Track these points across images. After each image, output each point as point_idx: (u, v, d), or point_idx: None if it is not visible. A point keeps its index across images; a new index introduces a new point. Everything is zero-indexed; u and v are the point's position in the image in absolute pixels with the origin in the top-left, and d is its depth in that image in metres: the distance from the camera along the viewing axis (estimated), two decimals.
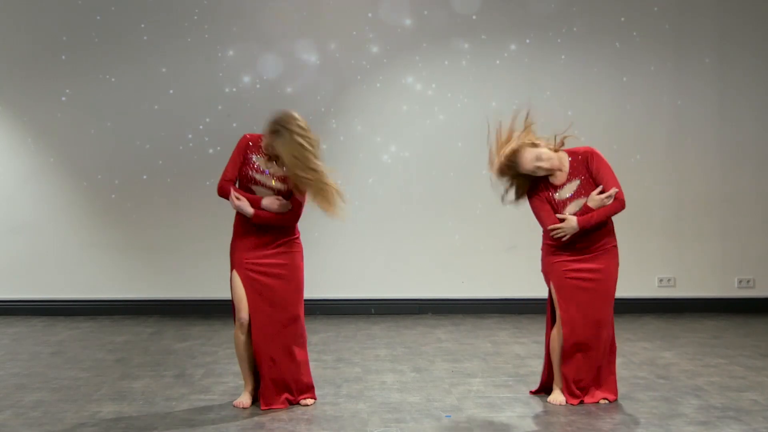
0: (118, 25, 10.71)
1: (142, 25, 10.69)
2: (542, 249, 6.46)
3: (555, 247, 6.32)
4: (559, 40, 10.78)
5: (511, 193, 6.41)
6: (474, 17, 10.74)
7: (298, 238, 6.34)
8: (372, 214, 10.74)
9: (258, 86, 10.69)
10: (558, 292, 6.28)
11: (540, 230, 6.43)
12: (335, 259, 10.64)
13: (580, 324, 6.21)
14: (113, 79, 10.71)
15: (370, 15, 10.72)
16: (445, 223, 10.79)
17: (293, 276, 6.24)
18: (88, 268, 10.69)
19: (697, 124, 10.86)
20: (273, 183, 6.18)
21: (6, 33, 10.73)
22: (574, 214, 6.23)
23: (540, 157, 6.19)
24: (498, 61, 10.78)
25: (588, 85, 10.81)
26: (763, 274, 10.91)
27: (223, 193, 6.18)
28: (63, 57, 10.70)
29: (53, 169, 10.74)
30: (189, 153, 10.74)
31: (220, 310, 10.35)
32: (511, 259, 10.64)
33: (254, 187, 6.18)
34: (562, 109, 10.70)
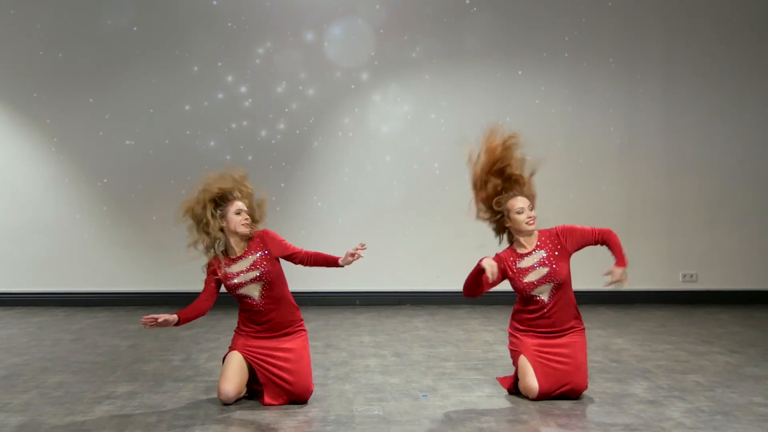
0: (140, 39, 10.66)
1: (162, 38, 10.66)
2: (509, 330, 6.05)
3: (522, 330, 5.93)
4: (521, 65, 10.82)
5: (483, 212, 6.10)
6: (448, 49, 10.84)
7: (302, 327, 5.93)
8: (356, 216, 10.75)
9: (250, 100, 10.68)
10: (531, 361, 5.80)
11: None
12: None
13: (555, 384, 5.80)
14: (130, 91, 10.69)
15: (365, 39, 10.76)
16: (422, 224, 10.81)
17: (300, 357, 5.82)
18: (104, 264, 10.68)
19: (646, 137, 10.91)
20: (251, 275, 5.78)
21: (31, 49, 10.64)
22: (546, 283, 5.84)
23: (527, 210, 5.83)
24: (470, 83, 10.85)
25: (549, 102, 10.85)
26: (705, 269, 10.93)
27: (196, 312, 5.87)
28: (85, 68, 10.69)
29: (73, 176, 10.72)
30: (199, 159, 10.59)
31: (222, 301, 10.24)
32: (480, 256, 10.61)
33: (241, 291, 5.81)
34: (526, 124, 10.71)
